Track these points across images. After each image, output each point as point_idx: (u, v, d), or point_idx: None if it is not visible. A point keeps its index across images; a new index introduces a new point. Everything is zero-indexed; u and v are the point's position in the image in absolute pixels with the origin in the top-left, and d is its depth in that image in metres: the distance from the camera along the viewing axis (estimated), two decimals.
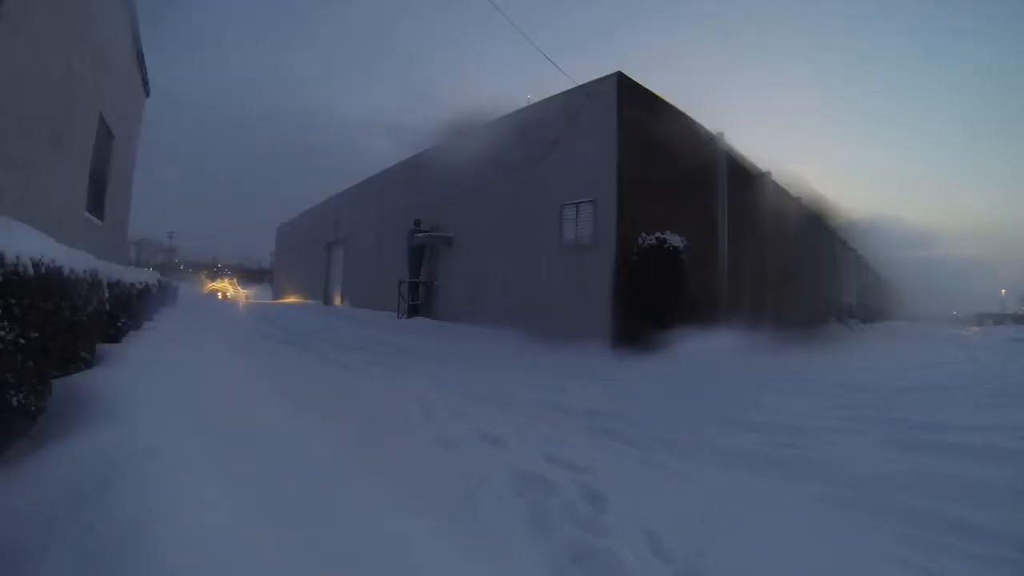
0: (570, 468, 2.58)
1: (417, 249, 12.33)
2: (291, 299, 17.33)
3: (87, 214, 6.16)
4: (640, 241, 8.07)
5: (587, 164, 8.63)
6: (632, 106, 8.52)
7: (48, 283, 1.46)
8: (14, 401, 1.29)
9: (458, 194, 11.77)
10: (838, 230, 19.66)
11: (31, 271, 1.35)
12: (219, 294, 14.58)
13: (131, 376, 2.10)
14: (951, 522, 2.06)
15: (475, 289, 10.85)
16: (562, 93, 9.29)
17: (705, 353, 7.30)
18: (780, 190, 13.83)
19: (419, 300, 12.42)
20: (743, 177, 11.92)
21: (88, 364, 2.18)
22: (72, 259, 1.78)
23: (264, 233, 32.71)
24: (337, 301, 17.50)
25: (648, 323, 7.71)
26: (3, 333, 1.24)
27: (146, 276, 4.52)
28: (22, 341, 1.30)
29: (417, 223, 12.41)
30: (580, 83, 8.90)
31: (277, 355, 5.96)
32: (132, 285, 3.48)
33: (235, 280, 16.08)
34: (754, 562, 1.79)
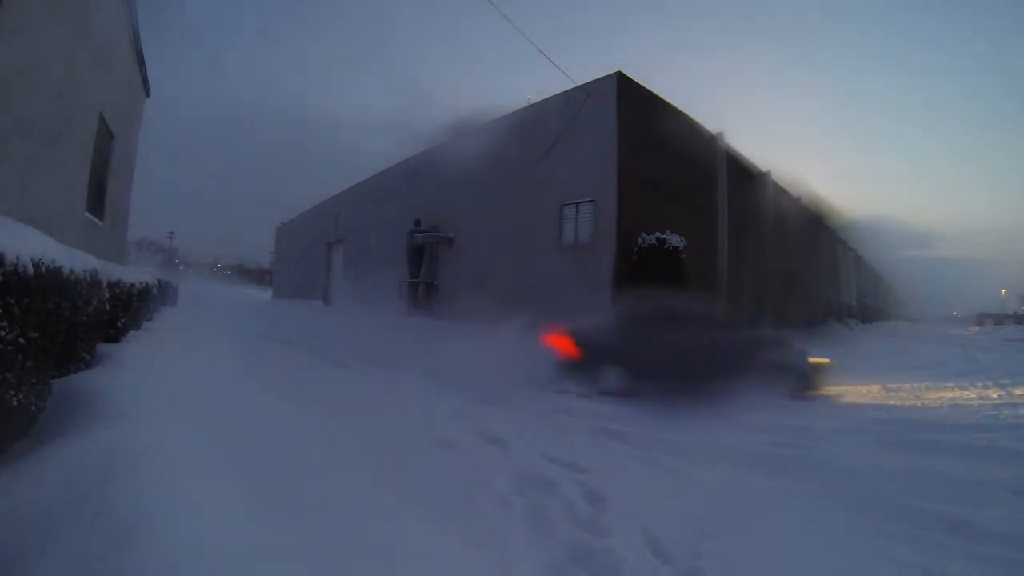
0: (569, 467, 2.58)
1: (417, 249, 12.32)
2: None
3: (87, 214, 6.15)
4: (640, 241, 8.07)
5: (587, 164, 8.63)
6: (632, 106, 8.51)
7: (48, 283, 1.46)
8: (14, 401, 1.29)
9: (458, 194, 11.76)
10: (838, 230, 19.64)
11: (31, 271, 1.35)
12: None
13: (131, 376, 2.10)
14: (951, 522, 2.06)
15: (475, 289, 10.83)
16: (562, 93, 9.27)
17: None
18: (780, 190, 13.82)
19: (419, 300, 12.40)
20: (743, 177, 11.90)
21: (88, 364, 2.18)
22: (72, 259, 1.78)
23: (264, 233, 32.66)
24: (339, 301, 17.46)
25: None
26: (3, 333, 1.23)
27: (146, 275, 4.51)
28: (22, 341, 1.30)
29: (417, 223, 12.40)
30: (580, 83, 8.89)
31: (274, 354, 5.96)
32: (132, 285, 3.47)
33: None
34: (753, 562, 1.78)
